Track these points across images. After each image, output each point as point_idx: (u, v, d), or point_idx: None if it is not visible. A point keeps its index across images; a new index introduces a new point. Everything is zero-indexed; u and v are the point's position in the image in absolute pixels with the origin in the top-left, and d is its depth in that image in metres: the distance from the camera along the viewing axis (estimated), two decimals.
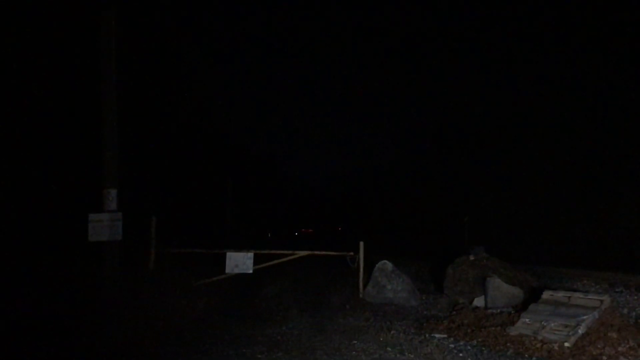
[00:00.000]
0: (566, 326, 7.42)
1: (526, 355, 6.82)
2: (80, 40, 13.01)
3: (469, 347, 7.38)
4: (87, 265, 10.04)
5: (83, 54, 12.85)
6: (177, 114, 22.10)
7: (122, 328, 7.80)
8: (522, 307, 9.19)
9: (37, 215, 11.75)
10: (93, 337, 7.36)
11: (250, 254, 11.36)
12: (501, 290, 10.36)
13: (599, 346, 6.88)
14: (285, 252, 12.30)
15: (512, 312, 9.35)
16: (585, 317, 7.51)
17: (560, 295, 8.56)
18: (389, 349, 7.31)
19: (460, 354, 7.00)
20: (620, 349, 6.78)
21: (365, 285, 11.59)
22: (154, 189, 17.36)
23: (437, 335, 8.12)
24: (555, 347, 6.98)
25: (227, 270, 11.33)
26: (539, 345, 7.13)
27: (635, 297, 10.04)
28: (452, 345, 7.49)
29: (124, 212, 9.72)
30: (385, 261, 11.84)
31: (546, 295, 8.70)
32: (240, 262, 11.29)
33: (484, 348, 7.32)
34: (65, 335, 7.28)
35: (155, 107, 18.96)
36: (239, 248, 11.93)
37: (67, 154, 12.91)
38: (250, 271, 11.37)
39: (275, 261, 12.15)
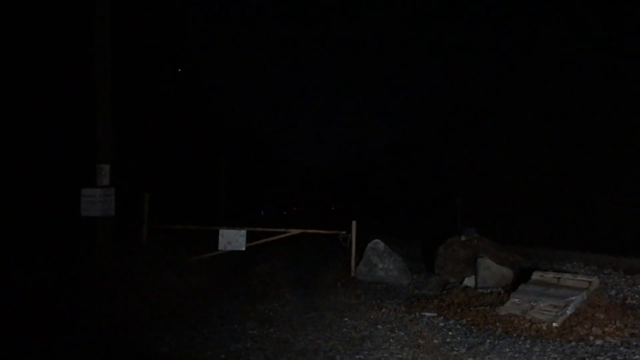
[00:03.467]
0: (555, 306, 7.50)
1: (515, 335, 6.90)
2: (73, 11, 12.85)
3: (458, 326, 7.47)
4: (80, 241, 10.06)
5: (77, 27, 12.70)
6: (171, 90, 21.96)
7: (115, 303, 7.83)
8: (511, 288, 9.28)
9: (30, 190, 11.71)
10: (85, 312, 7.39)
11: (243, 232, 11.39)
12: (491, 271, 10.46)
13: (586, 326, 6.97)
14: (278, 230, 12.35)
15: (502, 292, 9.44)
16: (573, 298, 7.60)
17: (549, 276, 8.64)
18: (379, 326, 7.38)
19: (450, 333, 7.08)
20: (607, 329, 6.88)
21: (357, 264, 11.67)
22: (148, 165, 17.31)
23: (427, 314, 8.20)
24: (544, 327, 7.07)
25: (220, 247, 11.36)
26: (527, 324, 7.21)
27: (624, 279, 10.16)
28: (441, 324, 7.58)
29: (117, 188, 9.71)
30: (377, 240, 11.90)
31: (536, 276, 8.78)
32: (233, 239, 11.32)
33: (473, 327, 7.40)
34: (58, 310, 7.30)
35: (150, 83, 18.82)
36: (232, 225, 11.96)
37: (60, 128, 12.83)
38: (243, 248, 11.41)
39: (268, 239, 12.20)
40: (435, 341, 6.64)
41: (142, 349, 6.12)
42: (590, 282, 8.07)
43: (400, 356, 5.98)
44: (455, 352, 6.16)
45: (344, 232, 11.99)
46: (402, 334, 6.98)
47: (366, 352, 6.12)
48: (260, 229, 12.31)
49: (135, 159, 15.70)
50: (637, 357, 5.85)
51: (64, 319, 6.98)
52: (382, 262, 11.52)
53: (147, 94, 18.19)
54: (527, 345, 6.38)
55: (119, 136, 10.50)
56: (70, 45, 13.01)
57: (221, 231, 11.40)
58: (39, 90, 12.34)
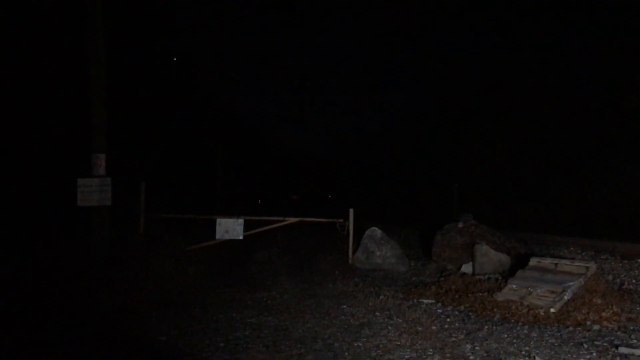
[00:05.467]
0: (552, 292, 7.52)
1: (512, 321, 6.93)
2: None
3: (456, 312, 7.48)
4: (77, 231, 10.03)
5: (69, 13, 12.58)
6: (167, 78, 21.84)
7: (112, 293, 7.82)
8: (509, 274, 9.31)
9: (25, 180, 11.66)
10: (83, 301, 7.39)
11: (241, 220, 11.37)
12: (489, 257, 10.47)
13: (583, 312, 6.99)
14: (276, 218, 12.34)
15: (500, 278, 9.46)
16: (571, 283, 7.62)
17: (547, 262, 8.66)
18: (377, 313, 7.39)
19: (448, 319, 7.10)
20: (604, 314, 6.90)
21: (354, 252, 11.68)
22: (144, 153, 17.25)
23: (425, 301, 8.21)
24: (541, 312, 7.09)
25: (217, 236, 11.35)
26: (525, 310, 7.23)
27: (620, 264, 10.19)
28: (439, 311, 7.59)
29: (113, 177, 9.67)
30: (375, 228, 11.91)
31: (533, 261, 8.80)
32: (230, 228, 11.31)
33: (471, 313, 7.42)
34: (56, 299, 7.29)
35: (146, 71, 18.70)
36: (229, 214, 11.94)
37: (55, 117, 12.75)
38: (241, 237, 11.40)
39: (266, 227, 12.19)
40: (434, 327, 6.65)
41: (140, 339, 6.12)
42: (587, 268, 8.09)
43: (398, 343, 5.99)
44: (453, 339, 6.17)
45: (341, 220, 11.98)
46: (400, 320, 6.99)
47: (364, 339, 6.13)
48: (257, 218, 12.30)
49: (131, 148, 15.64)
50: (634, 341, 5.88)
51: (61, 309, 6.98)
52: (379, 249, 11.53)
53: (142, 83, 18.08)
54: (525, 331, 6.40)
55: (114, 125, 10.44)
56: (63, 33, 12.90)
57: (218, 220, 11.38)
58: (32, 80, 12.25)
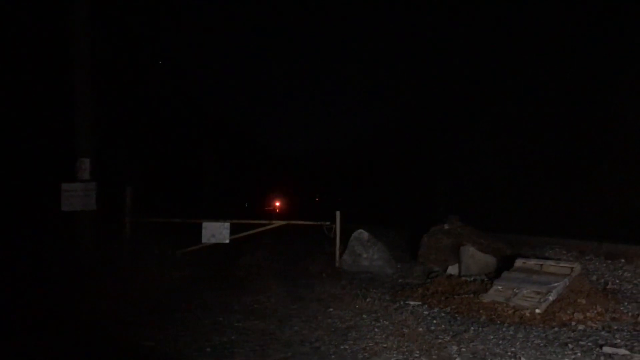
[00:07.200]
0: (538, 293, 7.58)
1: (498, 322, 6.96)
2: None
3: (442, 314, 7.51)
4: (63, 236, 9.96)
5: (54, 15, 12.49)
6: (152, 82, 21.74)
7: (98, 298, 7.77)
8: (495, 275, 9.36)
9: (9, 185, 11.55)
10: (67, 307, 7.33)
11: (227, 224, 11.34)
12: (475, 259, 10.53)
13: (568, 312, 7.05)
14: (262, 221, 12.34)
15: (486, 279, 9.51)
16: (556, 284, 7.68)
17: (532, 263, 8.72)
18: (364, 316, 7.40)
19: (434, 321, 7.12)
20: (588, 314, 6.97)
21: (341, 254, 11.68)
22: (129, 158, 17.16)
23: (411, 303, 8.24)
24: (527, 313, 7.14)
25: (204, 240, 11.31)
26: (511, 311, 7.28)
27: (604, 265, 10.28)
28: (426, 312, 7.62)
29: (99, 181, 9.61)
30: (362, 230, 11.93)
31: (519, 263, 8.86)
32: (216, 231, 11.28)
33: (457, 315, 7.45)
34: (39, 306, 7.23)
35: (130, 75, 18.60)
36: (215, 218, 11.90)
37: (39, 121, 12.64)
38: (227, 241, 11.37)
39: (252, 231, 12.18)
40: (420, 329, 6.68)
41: (127, 344, 6.08)
42: (572, 268, 8.15)
43: (385, 345, 6.00)
44: (439, 340, 6.20)
45: (328, 223, 11.99)
46: (387, 323, 7.01)
47: (351, 342, 6.13)
48: (244, 221, 12.28)
49: (117, 152, 15.55)
50: (618, 340, 5.93)
51: (45, 314, 6.92)
52: (366, 251, 11.54)
53: (128, 87, 17.99)
54: (511, 332, 6.44)
55: (100, 129, 10.37)
56: (47, 35, 12.80)
57: (205, 224, 11.35)
58: (16, 80, 12.14)
